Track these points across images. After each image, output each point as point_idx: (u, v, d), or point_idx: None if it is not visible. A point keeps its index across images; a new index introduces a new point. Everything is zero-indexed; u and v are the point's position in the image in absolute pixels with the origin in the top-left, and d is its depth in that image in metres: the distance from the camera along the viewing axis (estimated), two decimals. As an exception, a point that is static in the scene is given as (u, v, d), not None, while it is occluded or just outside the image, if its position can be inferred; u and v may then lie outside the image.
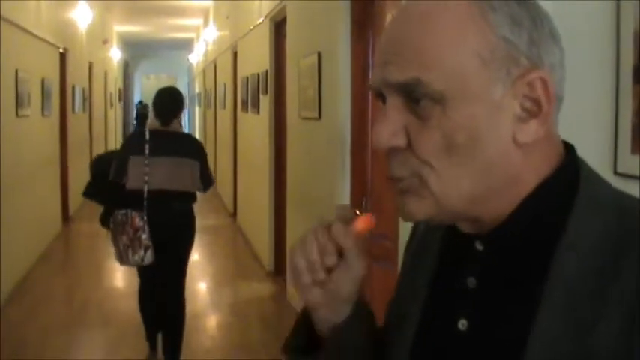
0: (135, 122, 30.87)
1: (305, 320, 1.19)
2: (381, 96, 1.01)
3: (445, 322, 1.07)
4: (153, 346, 5.93)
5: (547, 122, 0.96)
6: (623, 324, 0.87)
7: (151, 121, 5.75)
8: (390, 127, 0.98)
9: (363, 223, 1.10)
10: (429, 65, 0.94)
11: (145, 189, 5.29)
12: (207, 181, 5.62)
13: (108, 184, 5.41)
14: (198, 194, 5.77)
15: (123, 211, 5.26)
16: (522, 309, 0.96)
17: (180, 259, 5.65)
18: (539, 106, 0.96)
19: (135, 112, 32.00)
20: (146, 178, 5.30)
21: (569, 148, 1.04)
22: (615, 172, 1.99)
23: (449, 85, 0.94)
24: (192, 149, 5.59)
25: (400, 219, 1.06)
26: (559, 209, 0.97)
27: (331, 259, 1.09)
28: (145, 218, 5.24)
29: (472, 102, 0.94)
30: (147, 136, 5.41)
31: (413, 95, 0.96)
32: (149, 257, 5.27)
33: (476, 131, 0.95)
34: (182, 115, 5.76)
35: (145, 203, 5.28)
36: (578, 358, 0.89)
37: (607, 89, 2.04)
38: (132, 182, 5.33)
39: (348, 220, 1.10)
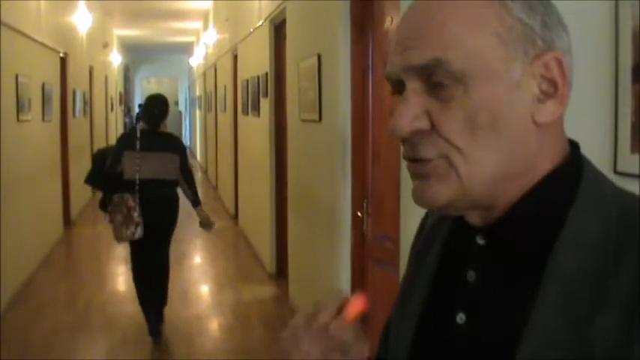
0: (135, 124, 31.03)
1: None
2: (398, 85, 1.02)
3: (444, 316, 1.08)
4: (150, 318, 6.73)
5: (563, 102, 0.98)
6: (622, 319, 0.87)
7: (142, 124, 6.78)
8: (412, 110, 0.99)
9: (357, 307, 1.11)
10: (448, 45, 0.96)
11: (137, 177, 6.37)
12: (188, 174, 6.76)
13: (105, 173, 6.52)
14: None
15: (119, 194, 6.35)
16: (520, 303, 0.96)
17: (166, 233, 6.75)
18: (555, 87, 0.98)
19: (136, 114, 32.10)
20: (137, 168, 6.38)
21: (573, 145, 1.05)
22: (615, 171, 1.99)
23: (470, 64, 0.95)
24: (174, 146, 6.70)
25: (416, 204, 1.05)
26: (560, 204, 0.98)
27: (336, 356, 1.10)
28: (137, 200, 6.32)
29: (493, 81, 0.96)
30: (138, 135, 6.54)
31: (434, 78, 0.97)
32: (139, 232, 6.33)
33: (497, 111, 0.96)
34: (167, 117, 6.82)
35: (137, 189, 6.35)
36: (574, 353, 0.89)
37: (606, 89, 2.04)
38: (127, 173, 6.40)
39: (341, 307, 1.11)
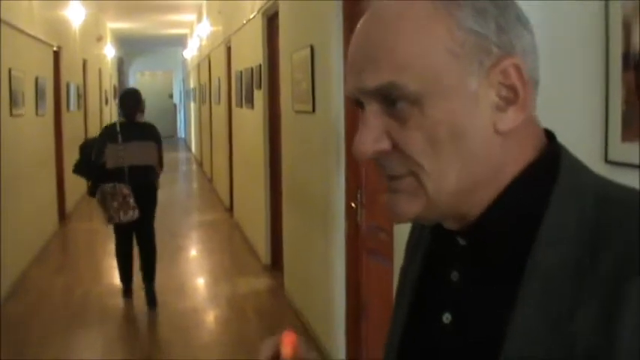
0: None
1: None
2: (359, 103, 1.02)
3: (431, 316, 1.08)
4: (128, 289, 7.78)
5: (525, 108, 0.97)
6: (601, 309, 0.87)
7: (120, 117, 7.59)
8: (372, 133, 0.99)
9: (290, 343, 1.15)
10: (401, 67, 0.95)
11: (125, 166, 7.13)
12: (161, 159, 7.54)
13: (90, 164, 7.29)
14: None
15: (111, 184, 7.08)
16: (503, 302, 0.96)
17: (152, 212, 7.60)
18: (515, 93, 0.96)
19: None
20: (122, 159, 7.14)
21: (549, 136, 1.04)
22: (606, 161, 1.99)
23: (424, 85, 0.94)
24: (152, 134, 7.46)
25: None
26: (537, 199, 0.97)
27: None
28: (129, 188, 7.10)
29: (449, 97, 0.95)
30: (118, 128, 7.33)
31: (389, 99, 0.96)
32: (136, 214, 7.18)
33: (456, 125, 0.95)
34: (142, 108, 7.66)
35: (127, 177, 7.13)
36: (556, 349, 0.89)
37: (597, 77, 2.04)
38: (110, 163, 7.14)
39: (276, 348, 1.16)
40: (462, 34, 0.94)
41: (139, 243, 7.66)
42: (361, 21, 1.02)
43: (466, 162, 0.96)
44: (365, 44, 0.99)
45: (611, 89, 1.99)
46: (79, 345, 6.64)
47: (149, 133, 7.43)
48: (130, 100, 7.49)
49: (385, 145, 0.98)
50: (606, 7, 2.01)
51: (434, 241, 1.14)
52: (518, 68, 0.96)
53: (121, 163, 7.15)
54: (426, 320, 1.10)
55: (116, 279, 8.74)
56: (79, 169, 7.63)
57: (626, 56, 1.92)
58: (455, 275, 1.05)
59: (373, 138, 0.98)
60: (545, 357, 0.90)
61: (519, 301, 0.94)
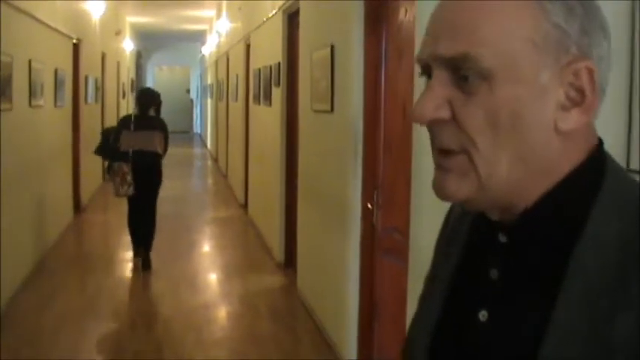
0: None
1: None
2: (426, 70, 1.02)
3: (466, 313, 1.08)
4: (137, 252, 8.96)
5: (589, 113, 0.97)
6: None
7: (135, 110, 9.05)
8: (435, 99, 0.99)
9: None
10: (480, 42, 0.95)
11: (130, 150, 8.45)
12: (166, 146, 8.83)
13: (110, 146, 8.72)
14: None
15: (117, 163, 8.45)
16: (542, 302, 0.96)
17: (154, 190, 8.85)
18: (582, 96, 0.97)
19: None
20: (131, 143, 8.47)
21: (598, 142, 1.04)
22: (628, 169, 1.99)
23: (498, 64, 0.95)
24: (159, 125, 8.80)
25: (437, 197, 1.05)
26: (582, 203, 0.97)
27: None
28: (130, 166, 8.37)
29: (519, 84, 0.95)
30: (132, 119, 8.76)
31: (461, 71, 0.97)
32: (131, 190, 8.42)
33: (519, 113, 0.96)
34: (156, 104, 8.94)
35: (131, 158, 8.41)
36: (595, 352, 0.90)
37: (620, 86, 2.04)
38: (123, 146, 8.51)
39: None
40: (547, 27, 0.95)
41: (142, 218, 8.87)
42: None
43: (520, 152, 0.97)
44: (450, 12, 1.00)
45: (634, 99, 1.99)
46: (91, 337, 6.66)
47: (156, 125, 8.78)
48: (144, 97, 9.00)
49: (445, 114, 0.99)
50: (632, 15, 2.01)
51: (472, 237, 1.14)
52: (591, 72, 0.96)
53: (131, 147, 8.47)
54: (460, 317, 1.09)
55: (129, 271, 8.82)
56: (99, 151, 9.28)
57: (651, 65, 1.92)
58: (494, 273, 1.05)
59: (436, 104, 0.99)
60: (583, 357, 0.90)
61: (559, 302, 0.94)
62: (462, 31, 0.97)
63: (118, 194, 8.57)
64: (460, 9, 0.98)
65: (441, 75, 0.99)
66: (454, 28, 0.98)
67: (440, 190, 1.02)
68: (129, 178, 8.37)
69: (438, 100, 0.98)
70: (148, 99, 8.91)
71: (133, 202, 8.79)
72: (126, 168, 8.37)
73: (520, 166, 0.97)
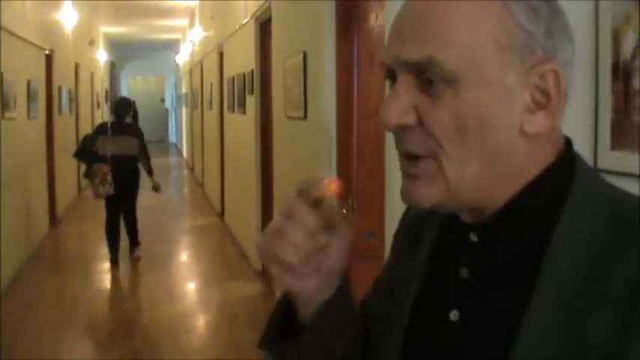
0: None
1: (281, 310, 1.17)
2: (391, 74, 1.01)
3: (438, 313, 1.06)
4: (114, 259, 9.59)
5: (555, 115, 0.97)
6: (617, 320, 0.87)
7: (112, 117, 9.98)
8: (401, 104, 0.98)
9: (332, 189, 1.08)
10: (445, 45, 0.94)
11: (109, 153, 9.18)
12: (145, 151, 9.59)
13: (86, 151, 9.46)
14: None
15: (97, 165, 9.15)
16: (514, 302, 0.96)
17: (132, 190, 9.62)
18: (548, 98, 0.96)
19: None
20: (108, 147, 9.23)
21: (567, 142, 1.04)
22: (596, 168, 2.01)
23: (463, 67, 0.94)
24: (134, 131, 9.66)
25: (403, 203, 1.04)
26: (553, 203, 0.97)
27: (323, 239, 1.07)
28: (109, 168, 9.06)
29: (484, 86, 0.95)
30: (109, 125, 9.65)
31: (426, 75, 0.96)
32: (112, 189, 9.09)
33: (485, 116, 0.95)
34: (131, 112, 10.08)
35: (110, 161, 9.15)
36: (568, 352, 0.89)
37: (587, 86, 2.06)
38: (100, 151, 9.25)
39: (318, 192, 1.07)
40: (512, 28, 0.95)
41: (124, 217, 9.68)
42: None
43: (488, 155, 0.96)
44: (413, 15, 0.99)
45: (601, 98, 2.01)
46: (69, 348, 6.63)
47: (132, 130, 9.65)
48: (120, 106, 9.83)
49: (411, 119, 0.98)
50: (596, 17, 2.03)
51: (442, 236, 1.13)
52: (557, 75, 0.96)
53: (108, 151, 9.24)
54: (432, 317, 1.08)
55: (107, 282, 8.79)
56: (77, 154, 10.11)
57: (616, 66, 1.95)
58: (464, 272, 1.04)
59: (401, 109, 0.98)
60: (556, 359, 0.90)
61: (532, 303, 0.93)
62: (426, 34, 0.96)
63: (97, 195, 9.23)
64: (424, 11, 0.97)
65: (405, 79, 0.98)
66: (418, 31, 0.97)
67: (407, 196, 1.01)
68: (109, 177, 9.06)
69: (403, 105, 0.98)
70: (123, 107, 9.77)
71: (111, 205, 9.43)
72: (105, 169, 9.07)
73: (488, 169, 0.97)
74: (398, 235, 1.29)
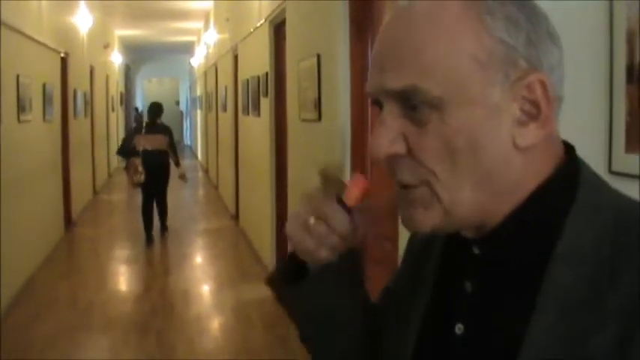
0: (134, 124, 32.46)
1: (292, 258, 1.19)
2: (377, 102, 1.00)
3: (443, 326, 1.06)
4: (149, 238, 11.45)
5: (547, 125, 0.95)
6: (620, 336, 0.85)
7: (146, 118, 11.77)
8: (388, 134, 0.97)
9: (357, 188, 1.10)
10: (425, 71, 0.93)
11: (141, 149, 11.05)
12: (173, 146, 11.53)
13: (126, 148, 11.40)
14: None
15: (132, 159, 11.04)
16: (517, 316, 0.94)
17: (163, 181, 11.55)
18: (538, 109, 0.94)
19: (133, 117, 32.76)
20: (142, 143, 11.11)
21: (569, 149, 1.02)
22: (610, 171, 2.00)
23: (446, 91, 0.92)
24: (164, 130, 11.45)
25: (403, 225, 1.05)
26: (556, 214, 0.95)
27: (334, 240, 1.11)
28: (141, 160, 10.95)
29: (470, 106, 0.93)
30: (144, 125, 11.65)
31: (410, 102, 0.94)
32: (142, 178, 10.94)
33: (475, 135, 0.93)
34: (161, 115, 11.61)
35: (142, 155, 11.01)
36: None
37: (601, 89, 2.05)
38: (137, 146, 11.04)
39: (341, 190, 1.10)
40: (491, 43, 0.93)
41: (156, 202, 11.58)
42: (389, 17, 1.00)
43: (482, 175, 0.95)
44: (391, 43, 0.97)
45: (615, 101, 2.00)
46: (83, 351, 6.65)
47: (162, 129, 11.42)
48: (153, 109, 11.53)
49: (400, 148, 0.97)
50: (610, 20, 2.02)
51: (446, 250, 1.12)
52: (543, 84, 0.94)
53: (143, 146, 11.05)
54: (438, 330, 1.08)
55: (121, 285, 8.84)
56: (119, 152, 12.16)
57: (630, 69, 1.94)
58: (468, 285, 1.04)
59: (389, 139, 0.97)
60: None
61: (534, 318, 0.92)
62: (406, 62, 0.94)
63: (132, 182, 11.14)
64: (400, 36, 0.96)
65: (391, 108, 0.97)
66: (397, 58, 0.95)
67: (408, 223, 1.01)
68: (140, 168, 10.91)
69: (391, 135, 0.97)
70: (155, 110, 11.50)
71: (145, 192, 11.34)
72: (137, 161, 10.93)
73: (483, 188, 0.95)
74: (409, 244, 1.28)
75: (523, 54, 0.93)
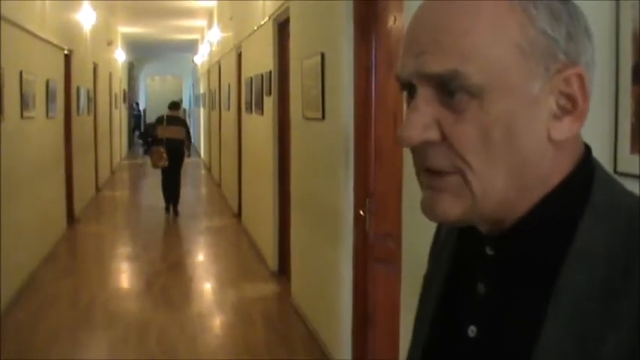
0: (133, 119, 32.59)
1: None
2: (408, 87, 0.98)
3: (456, 328, 1.05)
4: (168, 209, 13.75)
5: (581, 120, 0.95)
6: (633, 337, 0.85)
7: (168, 111, 13.80)
8: (422, 120, 0.94)
9: None
10: (468, 57, 0.91)
11: (164, 138, 13.19)
12: (189, 136, 14.10)
13: (148, 134, 15.20)
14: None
15: (155, 147, 13.32)
16: (530, 317, 0.94)
17: (178, 165, 13.74)
18: (574, 103, 0.94)
19: (133, 113, 32.79)
20: (163, 132, 13.29)
21: (587, 148, 1.01)
22: (615, 172, 2.00)
23: (487, 78, 0.91)
24: (182, 123, 13.99)
25: (425, 217, 1.01)
26: (570, 214, 0.95)
27: None
28: (165, 147, 13.13)
29: (510, 96, 0.92)
30: (165, 117, 13.54)
31: (448, 88, 0.93)
32: (165, 163, 13.18)
33: (513, 127, 0.92)
34: (181, 109, 14.61)
35: (165, 143, 13.18)
36: None
37: (606, 90, 2.05)
38: (159, 135, 13.29)
39: None
40: (534, 34, 0.92)
41: (172, 181, 13.64)
42: (426, 2, 0.98)
43: (516, 167, 0.94)
44: (432, 25, 0.95)
45: (621, 102, 2.00)
46: (85, 348, 6.64)
47: (179, 122, 13.84)
48: (173, 104, 13.92)
49: (434, 135, 0.95)
50: (617, 19, 2.02)
51: (459, 250, 1.11)
52: (581, 79, 0.93)
53: (165, 135, 13.19)
54: (451, 332, 1.07)
55: (123, 282, 8.85)
56: (141, 136, 17.97)
57: (636, 70, 1.93)
58: (481, 287, 1.03)
59: (423, 125, 0.95)
60: None
61: (548, 319, 0.91)
62: (448, 45, 0.92)
63: (156, 166, 13.33)
64: (443, 18, 0.94)
65: (425, 93, 0.95)
66: (438, 41, 0.93)
67: (430, 210, 0.98)
68: (164, 155, 13.08)
69: (425, 121, 0.94)
70: (175, 105, 13.94)
71: (165, 173, 13.55)
72: (162, 149, 13.11)
73: (515, 181, 0.94)
74: (431, 249, 1.27)
75: (563, 48, 0.93)
